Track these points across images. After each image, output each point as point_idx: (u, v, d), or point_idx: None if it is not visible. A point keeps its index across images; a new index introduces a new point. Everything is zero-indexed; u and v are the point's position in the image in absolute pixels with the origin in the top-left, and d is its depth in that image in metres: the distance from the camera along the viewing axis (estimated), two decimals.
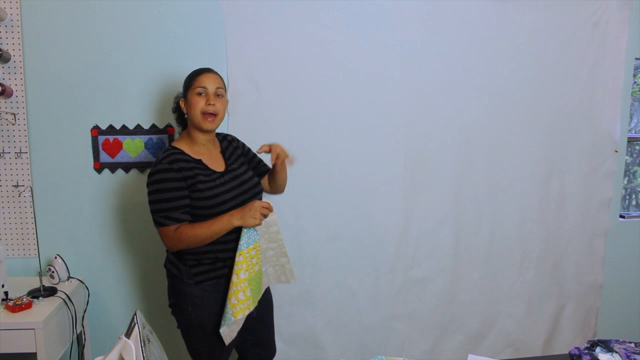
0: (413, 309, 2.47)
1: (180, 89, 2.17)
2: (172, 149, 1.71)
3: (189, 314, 1.73)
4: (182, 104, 1.77)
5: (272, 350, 2.02)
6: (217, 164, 1.78)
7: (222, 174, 1.75)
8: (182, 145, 1.73)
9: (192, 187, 1.66)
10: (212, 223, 1.64)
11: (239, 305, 1.68)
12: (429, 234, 2.42)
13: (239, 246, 1.66)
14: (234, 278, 1.66)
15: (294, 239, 2.33)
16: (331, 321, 2.42)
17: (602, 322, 2.66)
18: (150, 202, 1.66)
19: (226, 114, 1.86)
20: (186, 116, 1.75)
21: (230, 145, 1.88)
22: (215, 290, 1.73)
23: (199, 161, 1.71)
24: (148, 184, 1.67)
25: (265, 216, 1.68)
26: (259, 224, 1.66)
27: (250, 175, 1.85)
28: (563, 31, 2.35)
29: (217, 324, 1.74)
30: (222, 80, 1.77)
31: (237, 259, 1.66)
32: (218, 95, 1.72)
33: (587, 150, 2.48)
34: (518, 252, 2.50)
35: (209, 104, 1.69)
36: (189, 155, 1.70)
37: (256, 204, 1.65)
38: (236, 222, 1.64)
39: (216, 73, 1.76)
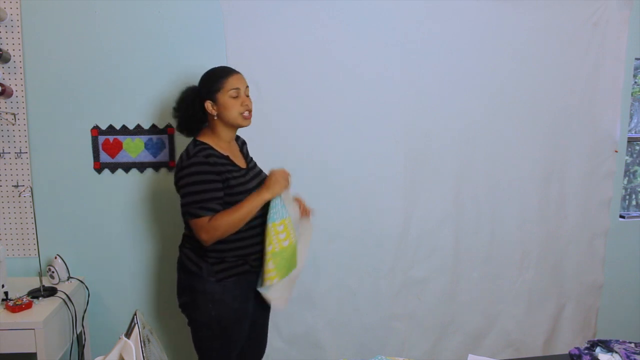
0: (413, 309, 2.47)
1: (181, 89, 2.15)
2: (202, 144, 1.74)
3: (209, 310, 1.73)
4: (209, 106, 1.75)
5: (265, 345, 2.06)
6: (240, 161, 1.83)
7: (247, 171, 1.81)
8: (210, 141, 1.76)
9: (225, 183, 1.69)
10: (243, 204, 1.69)
11: (267, 274, 1.76)
12: (429, 234, 2.42)
13: (267, 219, 1.75)
14: (265, 249, 1.76)
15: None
16: (331, 321, 2.42)
17: (602, 322, 2.66)
18: (185, 195, 1.67)
19: None
20: (216, 117, 1.75)
21: (244, 146, 1.95)
22: (235, 287, 1.75)
23: (227, 157, 1.75)
24: (182, 177, 1.68)
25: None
26: (287, 187, 1.77)
27: (265, 175, 1.89)
28: (563, 31, 2.35)
29: (235, 321, 1.77)
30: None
31: (266, 231, 1.75)
32: (247, 95, 1.79)
33: (587, 150, 2.48)
34: (518, 252, 2.50)
35: (246, 105, 1.76)
36: (217, 151, 1.74)
37: (275, 171, 1.77)
38: (266, 195, 1.71)
39: (240, 73, 1.81)
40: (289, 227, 1.78)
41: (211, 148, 1.73)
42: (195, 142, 1.75)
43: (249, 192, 1.73)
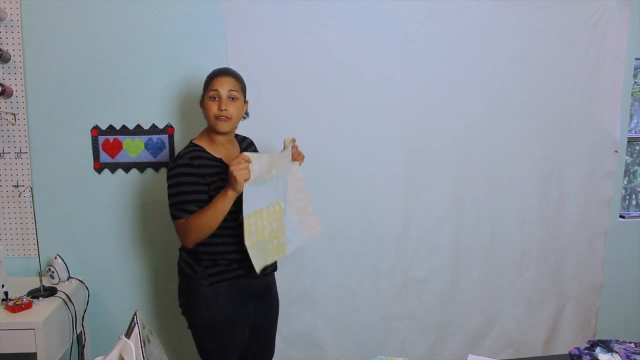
0: (413, 309, 2.46)
1: (181, 89, 2.17)
2: (194, 145, 1.73)
3: (202, 314, 1.72)
4: (200, 106, 1.77)
5: (272, 351, 2.03)
6: None
7: None
8: (203, 143, 1.74)
9: (213, 185, 1.67)
10: (210, 204, 1.61)
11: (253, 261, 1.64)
12: (429, 234, 2.42)
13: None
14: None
15: None
16: (331, 321, 2.42)
17: (602, 322, 2.66)
18: (169, 196, 1.67)
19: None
20: (204, 119, 1.76)
21: (249, 148, 1.91)
22: (228, 292, 1.74)
23: (220, 160, 1.72)
24: (168, 178, 1.68)
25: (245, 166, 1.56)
26: (245, 178, 1.55)
27: None
28: (563, 31, 2.35)
29: (230, 325, 1.75)
30: (238, 82, 1.75)
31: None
32: (232, 99, 1.71)
33: (587, 150, 2.48)
34: (518, 252, 2.50)
35: (221, 109, 1.68)
36: (209, 154, 1.72)
37: (231, 165, 1.55)
38: (229, 192, 1.57)
39: (231, 74, 1.74)
40: (261, 217, 1.65)
41: (202, 150, 1.71)
42: (188, 144, 1.75)
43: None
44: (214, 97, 1.70)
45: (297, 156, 1.86)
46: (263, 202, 1.67)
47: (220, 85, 1.70)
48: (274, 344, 2.03)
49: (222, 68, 1.77)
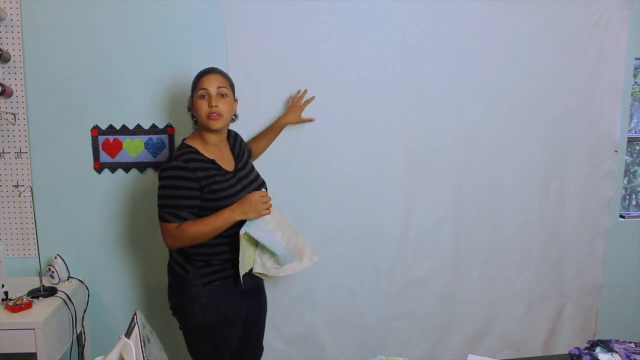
0: (413, 309, 2.46)
1: (180, 89, 2.17)
2: (187, 147, 1.71)
3: (196, 314, 1.72)
4: (191, 107, 1.78)
5: (262, 349, 2.05)
6: (228, 163, 1.79)
7: (234, 173, 1.77)
8: (196, 144, 1.73)
9: (207, 188, 1.66)
10: (214, 219, 1.65)
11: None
12: (429, 234, 2.42)
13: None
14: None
15: None
16: (331, 321, 2.42)
17: (602, 322, 2.66)
18: (160, 197, 1.66)
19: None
20: (194, 119, 1.77)
21: (236, 141, 1.89)
22: (221, 290, 1.74)
23: (213, 161, 1.72)
24: (160, 178, 1.66)
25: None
26: (264, 214, 1.68)
27: (256, 174, 1.87)
28: (563, 31, 2.35)
29: (223, 324, 1.76)
30: (226, 79, 1.76)
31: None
32: (221, 95, 1.71)
33: (587, 150, 2.48)
34: (518, 252, 2.50)
35: (211, 106, 1.68)
36: (203, 155, 1.71)
37: (255, 196, 1.68)
38: (238, 217, 1.65)
39: (219, 73, 1.75)
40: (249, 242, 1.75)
41: (196, 152, 1.70)
42: (181, 145, 1.74)
43: (232, 196, 1.70)
44: (203, 96, 1.70)
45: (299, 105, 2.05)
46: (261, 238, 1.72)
47: (209, 83, 1.70)
48: (262, 341, 2.04)
49: (208, 68, 1.77)
